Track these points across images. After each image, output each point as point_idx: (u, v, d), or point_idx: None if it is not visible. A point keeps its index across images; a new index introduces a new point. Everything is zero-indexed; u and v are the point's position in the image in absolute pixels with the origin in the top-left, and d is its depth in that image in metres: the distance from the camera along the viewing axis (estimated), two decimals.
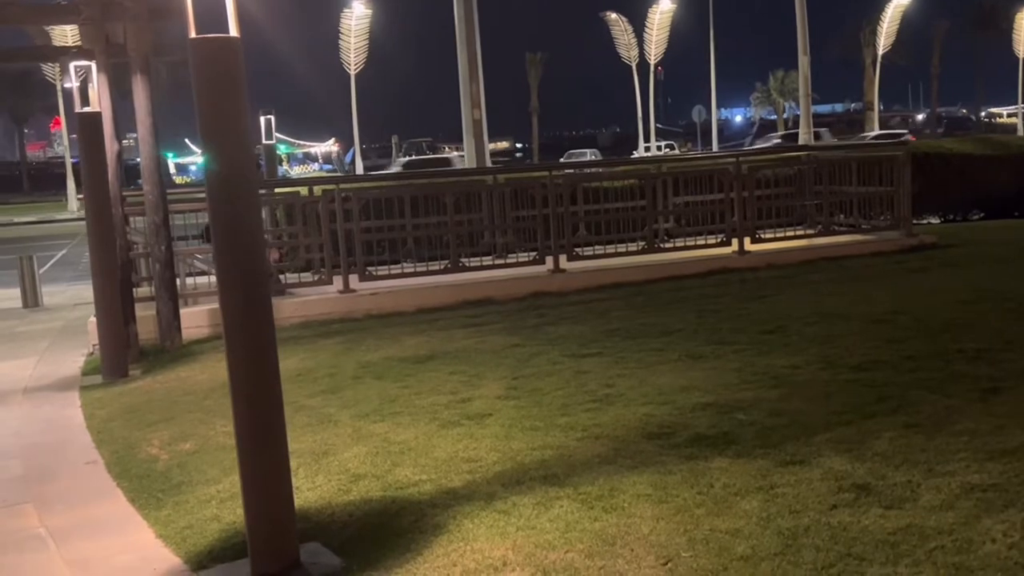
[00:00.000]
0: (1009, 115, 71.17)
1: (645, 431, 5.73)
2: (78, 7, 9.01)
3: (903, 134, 42.61)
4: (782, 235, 13.18)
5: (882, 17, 55.09)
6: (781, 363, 7.12)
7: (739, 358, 7.39)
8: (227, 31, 4.18)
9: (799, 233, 13.45)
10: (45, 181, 67.90)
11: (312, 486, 5.27)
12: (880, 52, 55.20)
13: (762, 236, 12.82)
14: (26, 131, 73.66)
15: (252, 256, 4.27)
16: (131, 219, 10.48)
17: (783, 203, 13.72)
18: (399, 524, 4.68)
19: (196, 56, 4.17)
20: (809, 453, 5.12)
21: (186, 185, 38.78)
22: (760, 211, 13.00)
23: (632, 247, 12.56)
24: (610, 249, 12.43)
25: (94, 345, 9.57)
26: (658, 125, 63.96)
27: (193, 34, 4.15)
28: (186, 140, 66.70)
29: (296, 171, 60.79)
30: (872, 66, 56.20)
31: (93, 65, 8.71)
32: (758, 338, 8.08)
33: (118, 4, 9.06)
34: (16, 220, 38.41)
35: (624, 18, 62.24)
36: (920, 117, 70.44)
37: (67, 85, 9.03)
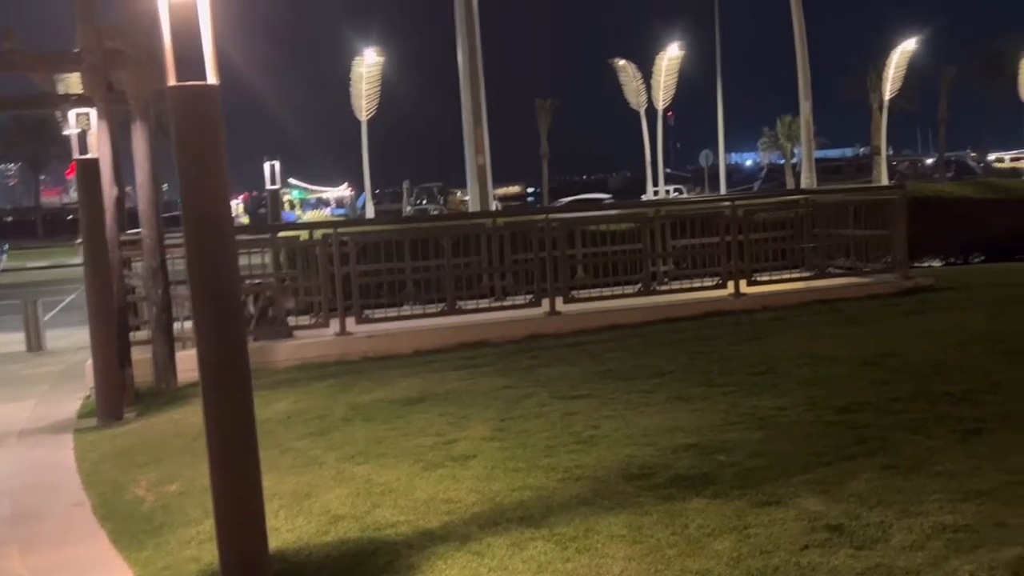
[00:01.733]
0: (1013, 159, 71.17)
1: (626, 472, 5.76)
2: (80, 55, 9.22)
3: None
4: (778, 278, 13.22)
5: (888, 62, 55.39)
6: (767, 404, 7.14)
7: (726, 399, 7.42)
8: (207, 78, 4.30)
9: (795, 276, 13.49)
10: (59, 226, 68.66)
11: (291, 527, 5.31)
12: (887, 97, 55.40)
13: (758, 279, 12.86)
14: (42, 177, 74.63)
15: (227, 300, 4.36)
16: (131, 263, 10.60)
17: (780, 246, 13.77)
18: (374, 565, 4.71)
19: (174, 103, 4.29)
20: (786, 494, 5.14)
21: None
22: (757, 254, 13.06)
23: (629, 289, 12.61)
24: (607, 291, 12.49)
25: (91, 388, 9.64)
26: (667, 170, 64.18)
27: (172, 81, 4.27)
28: None
29: (309, 215, 61.21)
30: (879, 111, 56.39)
31: (93, 112, 8.89)
32: (747, 380, 8.10)
33: (119, 52, 9.27)
34: (28, 265, 38.73)
35: (633, 64, 62.72)
36: (929, 161, 70.52)
37: (66, 132, 9.20)
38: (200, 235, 4.32)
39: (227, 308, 4.34)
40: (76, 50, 9.36)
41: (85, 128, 9.05)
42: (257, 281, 11.21)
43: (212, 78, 4.30)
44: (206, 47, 4.27)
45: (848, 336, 10.01)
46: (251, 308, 10.79)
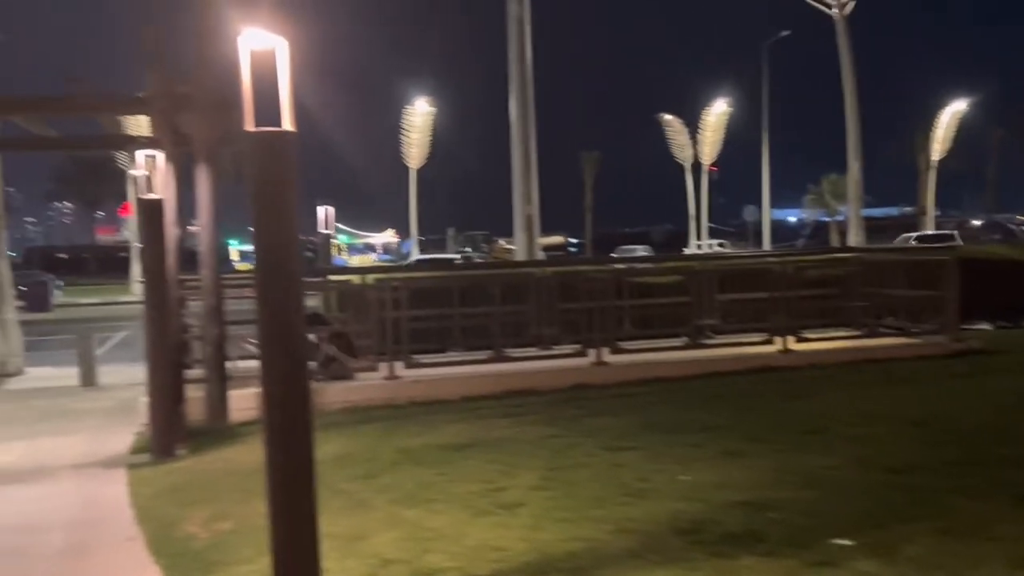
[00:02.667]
0: None
1: (676, 527, 5.74)
2: (150, 99, 9.52)
3: (951, 235, 42.26)
4: (827, 336, 13.13)
5: (937, 123, 55.17)
6: (817, 463, 7.09)
7: (776, 457, 7.38)
8: (283, 125, 4.45)
9: (844, 334, 13.39)
10: (112, 264, 69.90)
11: (342, 569, 5.35)
12: (935, 157, 55.13)
13: (807, 336, 12.78)
14: (98, 216, 76.28)
15: (294, 341, 4.46)
16: (188, 302, 10.81)
17: (829, 303, 13.70)
18: None
19: (252, 148, 4.43)
20: (840, 555, 5.10)
21: (247, 271, 39.66)
22: (805, 311, 12.99)
23: (675, 342, 12.59)
24: (653, 344, 12.48)
25: (144, 424, 9.79)
26: (711, 224, 64.14)
27: (251, 127, 4.42)
28: (250, 228, 68.33)
29: (356, 260, 61.89)
30: (927, 171, 56.09)
31: (160, 154, 9.15)
32: (796, 438, 8.05)
33: (187, 96, 9.55)
34: (81, 301, 39.44)
35: (679, 119, 63.06)
36: (976, 223, 69.73)
37: (133, 173, 9.46)
38: (271, 277, 4.44)
39: (294, 349, 4.44)
40: (144, 94, 9.65)
41: (148, 170, 9.30)
42: (323, 323, 11.38)
43: (288, 125, 4.45)
44: (283, 95, 4.42)
45: (898, 397, 9.91)
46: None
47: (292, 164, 4.50)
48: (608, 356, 11.94)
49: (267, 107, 4.53)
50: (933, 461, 6.95)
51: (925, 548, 5.14)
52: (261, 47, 4.44)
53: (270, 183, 4.45)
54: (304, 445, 4.47)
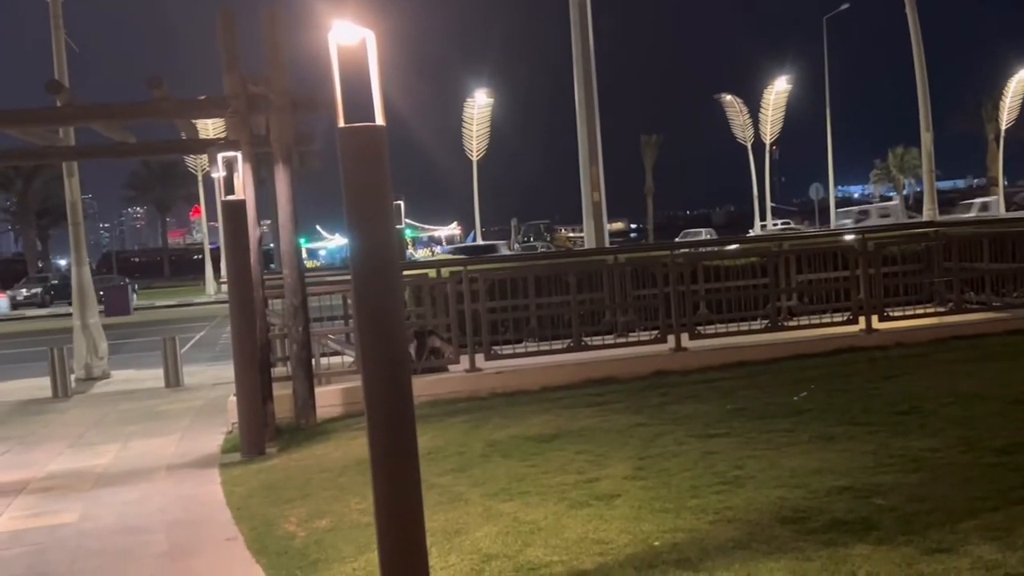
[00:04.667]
0: None
1: (779, 515, 5.62)
2: (226, 101, 9.61)
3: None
4: (911, 313, 12.82)
5: (1005, 92, 53.64)
6: (918, 445, 6.89)
7: (873, 439, 7.19)
8: (372, 120, 4.42)
9: (929, 311, 13.06)
10: (184, 266, 71.37)
11: (445, 565, 5.34)
12: (1004, 127, 53.64)
13: (890, 314, 12.49)
14: (168, 219, 77.85)
15: (393, 336, 4.44)
16: (269, 301, 10.93)
17: (911, 280, 13.37)
18: None
19: (344, 144, 4.41)
20: (955, 541, 4.93)
21: (315, 269, 40.12)
22: (887, 288, 12.70)
23: (754, 325, 12.41)
24: (732, 327, 12.31)
25: (233, 423, 9.94)
26: (772, 204, 63.26)
27: (342, 123, 4.39)
28: (316, 227, 69.28)
29: (421, 254, 62.36)
30: (995, 141, 54.62)
31: (239, 155, 9.24)
32: (892, 419, 7.85)
33: (263, 97, 9.63)
34: (158, 303, 40.37)
35: (739, 99, 62.26)
36: None
37: (213, 175, 9.55)
38: (368, 272, 4.42)
39: (394, 344, 4.42)
40: (221, 95, 9.75)
41: (207, 171, 9.39)
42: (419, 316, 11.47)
43: (379, 119, 4.42)
44: (374, 88, 4.39)
45: (993, 373, 9.61)
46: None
47: (385, 160, 4.47)
48: (687, 341, 11.81)
49: (348, 104, 4.51)
50: None
51: None
52: (349, 41, 4.41)
53: (365, 180, 4.42)
54: (409, 439, 4.45)
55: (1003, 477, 5.94)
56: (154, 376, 15.07)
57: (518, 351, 11.67)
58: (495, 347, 11.52)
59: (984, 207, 51.99)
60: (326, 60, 4.48)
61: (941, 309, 13.16)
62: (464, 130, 51.46)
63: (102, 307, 24.78)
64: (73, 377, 15.53)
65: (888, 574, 4.60)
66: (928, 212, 26.84)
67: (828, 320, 12.52)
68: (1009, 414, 7.67)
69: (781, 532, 5.33)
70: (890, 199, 64.08)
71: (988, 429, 7.19)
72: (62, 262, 52.80)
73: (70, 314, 17.70)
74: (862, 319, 12.29)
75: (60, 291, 37.92)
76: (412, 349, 11.00)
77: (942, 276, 13.44)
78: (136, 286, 42.00)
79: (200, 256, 53.91)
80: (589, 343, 11.88)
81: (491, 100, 51.39)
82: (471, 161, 51.17)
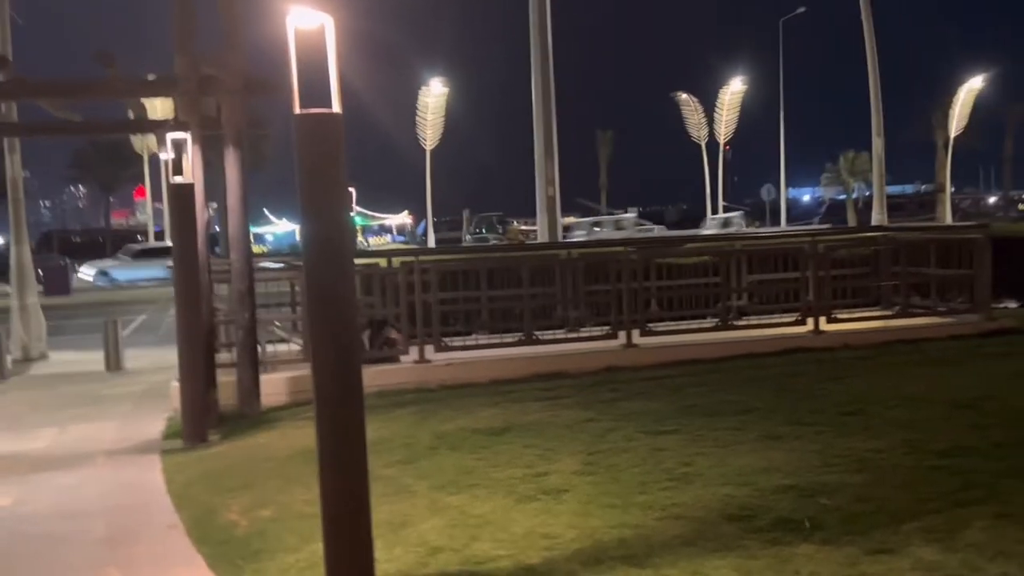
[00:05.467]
0: None
1: (726, 512, 5.64)
2: (177, 81, 9.41)
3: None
4: (858, 315, 12.99)
5: (954, 100, 54.70)
6: (863, 446, 6.97)
7: (820, 439, 7.26)
8: (329, 106, 4.34)
9: (875, 314, 13.26)
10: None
11: (390, 557, 5.27)
12: (952, 135, 54.71)
13: (838, 316, 12.65)
14: (111, 199, 76.28)
15: (345, 324, 4.38)
16: (214, 286, 10.74)
17: (859, 283, 13.55)
18: None
19: (300, 130, 4.33)
20: (898, 542, 4.99)
21: (262, 254, 39.65)
22: (836, 291, 12.86)
23: (705, 323, 12.48)
24: (683, 325, 12.37)
25: (175, 409, 9.75)
26: (724, 203, 63.90)
27: (298, 109, 4.31)
28: (264, 210, 68.42)
29: (372, 242, 61.93)
30: (944, 148, 55.70)
31: (188, 137, 9.05)
32: (838, 419, 7.93)
33: (215, 79, 9.45)
34: (98, 285, 39.52)
35: (695, 98, 62.76)
36: (992, 200, 69.26)
37: (162, 156, 9.35)
38: (321, 260, 4.35)
39: (345, 331, 4.36)
40: (171, 75, 9.55)
41: (153, 152, 9.22)
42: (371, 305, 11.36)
43: (336, 106, 4.34)
44: (331, 76, 4.31)
45: (937, 377, 9.77)
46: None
47: (341, 146, 4.40)
48: (639, 338, 11.84)
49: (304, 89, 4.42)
50: (983, 444, 6.82)
51: (984, 533, 5.03)
52: (307, 25, 4.33)
53: (320, 167, 4.35)
54: (357, 430, 4.39)
55: (945, 480, 6.02)
56: (94, 359, 14.74)
57: (468, 343, 11.61)
58: (445, 339, 11.45)
59: (726, 223, 50.75)
60: (283, 44, 4.39)
61: (888, 312, 13.36)
62: (418, 119, 51.18)
63: (41, 287, 24.21)
64: (10, 358, 15.14)
65: (831, 573, 4.64)
66: (877, 217, 27.26)
67: (777, 320, 12.64)
68: (952, 418, 7.79)
69: (727, 529, 5.35)
70: (625, 212, 62.20)
71: (931, 432, 7.29)
72: (0, 240, 51.71)
73: (7, 293, 17.27)
74: (810, 320, 12.42)
75: None
76: (366, 338, 10.90)
77: (889, 280, 13.64)
78: (77, 266, 41.07)
79: (143, 238, 52.99)
80: (540, 337, 11.86)
81: (446, 89, 51.18)
82: (424, 150, 50.91)
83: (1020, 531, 5.04)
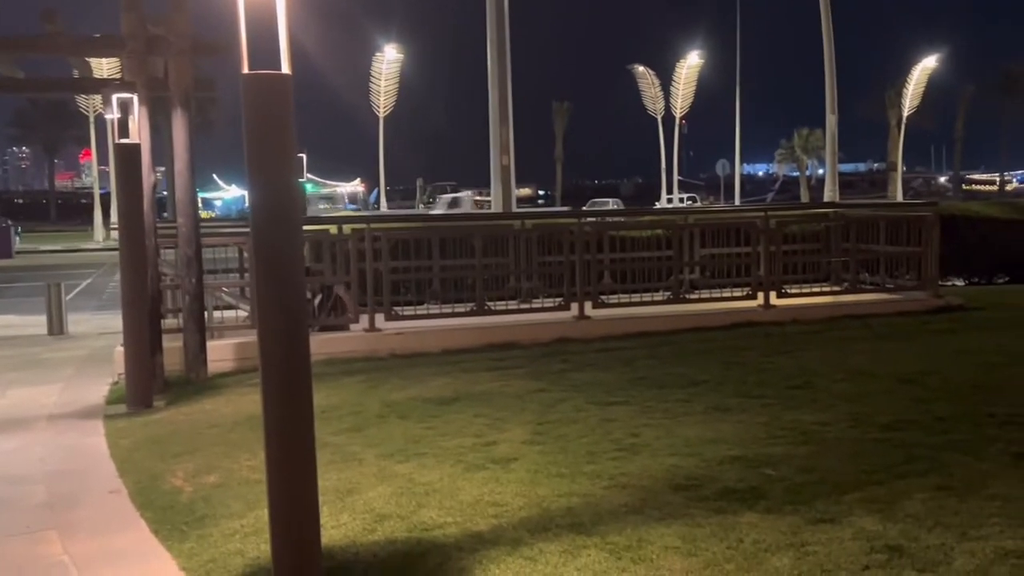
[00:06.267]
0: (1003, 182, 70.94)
1: (672, 482, 5.68)
2: (123, 40, 9.17)
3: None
4: (808, 291, 13.15)
5: (908, 80, 55.41)
6: (809, 419, 7.07)
7: (766, 412, 7.35)
8: (278, 67, 4.23)
9: (825, 289, 13.43)
10: (71, 211, 68.59)
11: (337, 524, 5.24)
12: (905, 114, 55.46)
13: (788, 291, 12.78)
14: (56, 161, 74.71)
15: (293, 290, 4.29)
16: (161, 251, 10.55)
17: (809, 259, 13.71)
18: (424, 566, 4.64)
19: (248, 91, 4.21)
20: (840, 512, 5.06)
21: (210, 220, 39.00)
22: (786, 266, 12.99)
23: (657, 297, 12.55)
24: (635, 298, 12.43)
25: (119, 374, 9.59)
26: (680, 177, 64.24)
27: (246, 69, 4.20)
28: (213, 176, 67.45)
29: (321, 209, 61.34)
30: (897, 127, 56.45)
31: (135, 98, 8.83)
32: (785, 392, 8.03)
33: (162, 39, 9.22)
34: (42, 248, 38.80)
35: (651, 71, 62.85)
36: (942, 179, 70.49)
37: (107, 116, 9.12)
38: (268, 225, 4.25)
39: (292, 296, 4.27)
40: (118, 34, 9.30)
41: (99, 112, 9.01)
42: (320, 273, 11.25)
43: (285, 68, 4.24)
44: (281, 35, 4.20)
45: (883, 352, 9.93)
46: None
47: (290, 109, 4.29)
48: (591, 310, 11.87)
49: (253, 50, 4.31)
50: (925, 418, 6.95)
51: (924, 505, 5.12)
52: None
53: (267, 129, 4.24)
54: (304, 396, 4.32)
55: (888, 452, 6.12)
56: (36, 323, 14.44)
57: (419, 312, 11.56)
58: (396, 308, 11.38)
59: (455, 203, 46.51)
60: (231, 3, 4.27)
61: (837, 288, 13.54)
62: (372, 85, 50.68)
63: None
64: None
65: (773, 541, 4.69)
66: (829, 193, 27.57)
67: (728, 295, 12.75)
68: (896, 392, 7.92)
69: (673, 499, 5.39)
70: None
71: (876, 406, 7.41)
72: None
73: None
74: (761, 295, 12.54)
75: None
76: (315, 304, 10.79)
77: (840, 256, 13.81)
78: (19, 229, 40.21)
79: (89, 201, 51.99)
80: (492, 308, 11.84)
81: (401, 56, 50.72)
82: (378, 117, 50.46)
83: (959, 503, 5.14)
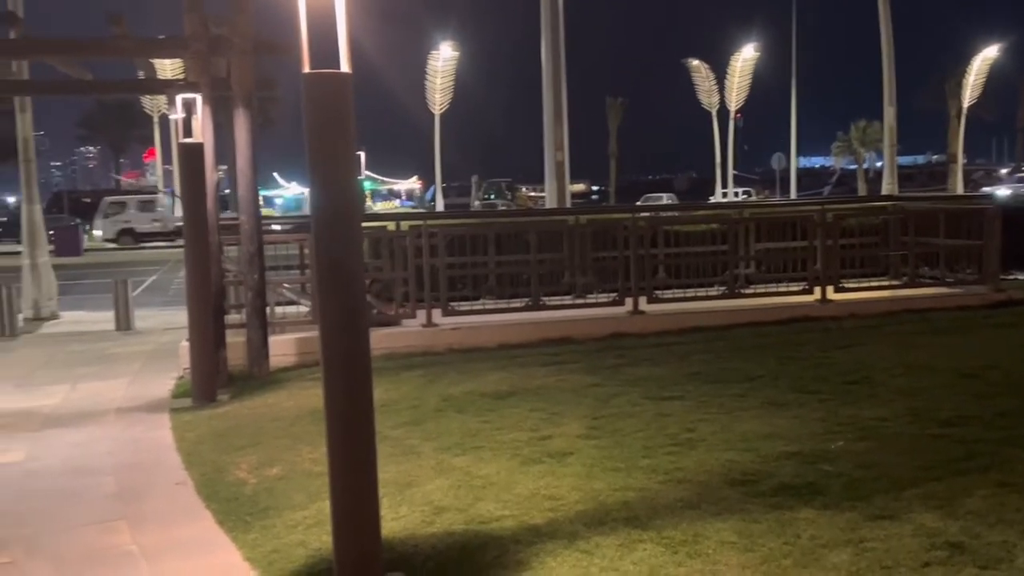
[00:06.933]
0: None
1: (728, 477, 5.69)
2: (187, 42, 9.39)
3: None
4: (866, 285, 12.99)
5: (968, 69, 54.14)
6: (867, 414, 7.01)
7: (823, 407, 7.30)
8: (338, 67, 4.32)
9: (883, 284, 13.25)
10: None
11: (396, 516, 5.35)
12: (965, 105, 54.20)
13: (845, 285, 12.64)
14: (121, 160, 76.33)
15: (353, 287, 4.39)
16: (224, 247, 10.77)
17: (867, 253, 13.53)
18: (482, 559, 4.71)
19: (308, 91, 4.31)
20: (899, 508, 5.03)
21: (270, 217, 39.46)
22: (844, 260, 12.84)
23: (712, 291, 12.49)
24: (689, 293, 12.39)
25: (185, 369, 9.83)
26: (735, 171, 63.55)
27: (307, 69, 4.29)
28: (274, 174, 68.30)
29: (380, 206, 61.83)
30: (957, 118, 55.19)
31: (198, 97, 9.04)
32: (842, 388, 7.97)
33: (225, 40, 9.42)
34: (109, 246, 39.69)
35: (706, 65, 62.24)
36: (1004, 171, 68.75)
37: (171, 116, 9.34)
38: (329, 221, 4.35)
39: (353, 295, 4.37)
40: (181, 36, 9.52)
41: (163, 113, 9.22)
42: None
43: (345, 66, 4.33)
44: (340, 34, 4.29)
45: (943, 347, 9.79)
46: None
47: (350, 107, 4.39)
48: (645, 305, 11.86)
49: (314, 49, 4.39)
50: (986, 413, 6.86)
51: (985, 502, 5.07)
52: None
53: (329, 128, 4.34)
54: (365, 390, 4.41)
55: (947, 448, 6.06)
56: (104, 319, 14.83)
57: (476, 308, 11.65)
58: (452, 303, 11.49)
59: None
60: (292, 3, 4.37)
61: (895, 282, 13.36)
62: (428, 83, 50.94)
63: (52, 247, 24.27)
64: (21, 316, 15.25)
65: (831, 537, 4.68)
66: (887, 186, 27.12)
67: (784, 289, 12.64)
68: (956, 387, 7.82)
69: (730, 494, 5.40)
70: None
71: (935, 401, 7.33)
72: (10, 199, 51.69)
73: (19, 252, 17.34)
74: (817, 289, 12.42)
75: (9, 229, 37.07)
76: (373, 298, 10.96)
77: (898, 250, 13.62)
78: (88, 227, 41.16)
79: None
80: (547, 303, 11.89)
81: (456, 53, 50.89)
82: (433, 115, 50.71)
83: (1021, 500, 5.08)
